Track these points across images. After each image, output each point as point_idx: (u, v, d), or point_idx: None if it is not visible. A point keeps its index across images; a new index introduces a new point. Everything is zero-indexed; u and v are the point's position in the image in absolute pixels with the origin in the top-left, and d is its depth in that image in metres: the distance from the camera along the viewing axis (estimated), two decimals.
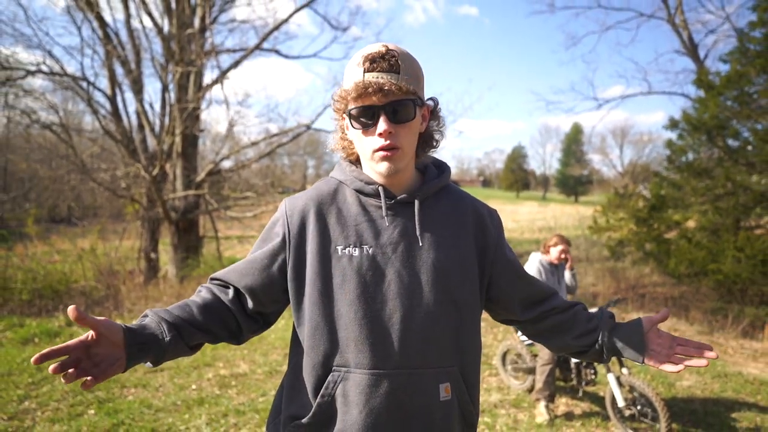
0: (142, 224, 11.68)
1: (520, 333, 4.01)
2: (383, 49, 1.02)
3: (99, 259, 9.82)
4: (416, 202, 1.10)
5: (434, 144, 1.17)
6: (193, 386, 4.21)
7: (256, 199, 11.97)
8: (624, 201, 11.86)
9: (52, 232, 13.47)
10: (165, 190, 10.73)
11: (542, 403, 3.61)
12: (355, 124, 1.06)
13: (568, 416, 3.67)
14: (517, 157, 72.28)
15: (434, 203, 1.14)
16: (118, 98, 10.71)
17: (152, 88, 27.81)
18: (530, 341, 3.61)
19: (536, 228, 24.34)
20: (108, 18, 12.43)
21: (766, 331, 6.94)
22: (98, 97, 10.68)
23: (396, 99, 1.01)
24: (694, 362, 1.05)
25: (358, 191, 1.12)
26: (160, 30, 10.73)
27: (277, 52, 12.16)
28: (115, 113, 10.60)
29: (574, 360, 3.78)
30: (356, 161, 1.18)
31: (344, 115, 1.09)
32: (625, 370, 3.35)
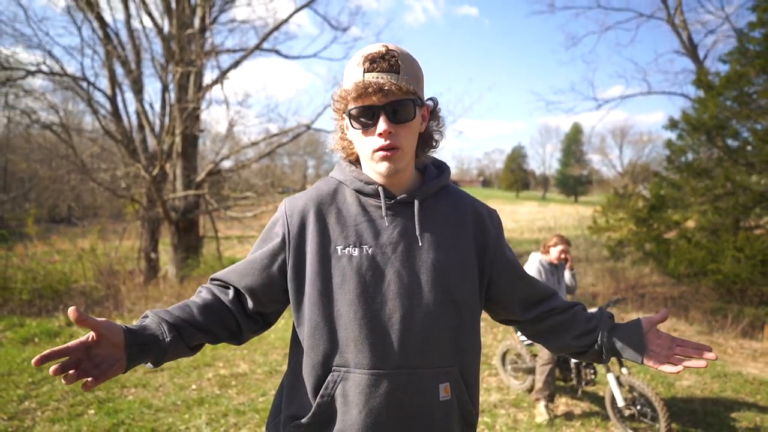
0: (142, 224, 11.69)
1: (519, 333, 4.01)
2: (383, 49, 1.02)
3: (99, 259, 9.82)
4: (416, 202, 1.10)
5: (434, 144, 1.17)
6: (193, 386, 4.22)
7: (256, 199, 11.97)
8: (624, 201, 11.87)
9: (52, 232, 13.47)
10: (165, 190, 10.74)
11: (542, 403, 3.61)
12: (355, 124, 1.06)
13: (568, 416, 3.68)
14: (516, 157, 72.30)
15: (434, 203, 1.14)
16: (118, 98, 10.72)
17: (152, 88, 27.86)
18: (530, 341, 3.61)
19: (536, 228, 24.35)
20: (108, 18, 12.44)
21: (766, 331, 6.95)
22: (98, 97, 10.69)
23: (396, 99, 1.01)
24: (693, 363, 1.06)
25: (358, 191, 1.12)
26: (160, 30, 10.73)
27: (277, 52, 12.18)
28: (115, 113, 10.60)
29: (573, 360, 3.79)
30: (356, 161, 1.18)
31: (344, 115, 1.09)
32: (624, 370, 3.35)
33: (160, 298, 8.04)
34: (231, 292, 1.13)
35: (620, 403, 3.24)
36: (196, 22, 10.85)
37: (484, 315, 1.24)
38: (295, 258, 1.09)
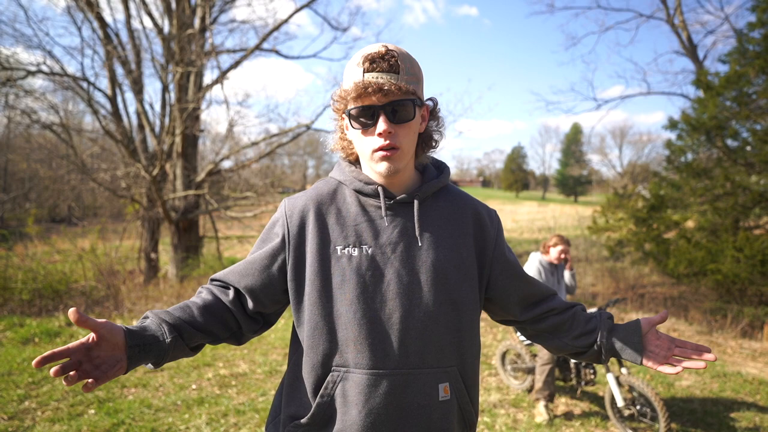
0: (142, 224, 11.70)
1: (519, 333, 4.02)
2: (383, 50, 1.02)
3: (99, 259, 9.81)
4: (415, 202, 1.10)
5: (433, 144, 1.17)
6: (193, 386, 4.22)
7: (256, 199, 11.97)
8: (623, 201, 11.89)
9: (52, 232, 13.47)
10: (165, 190, 10.75)
11: (542, 403, 3.61)
12: (355, 124, 1.06)
13: (568, 416, 3.68)
14: (516, 158, 72.33)
15: (433, 203, 1.15)
16: (119, 98, 10.73)
17: (152, 89, 27.89)
18: (529, 341, 3.61)
19: (536, 228, 24.37)
20: (108, 18, 12.46)
21: (765, 331, 6.95)
22: (98, 97, 10.76)
23: (395, 99, 1.02)
24: (692, 364, 1.06)
25: (358, 191, 1.12)
26: (160, 30, 10.74)
27: (277, 52, 12.17)
28: (116, 113, 10.61)
29: (573, 360, 3.79)
30: (356, 161, 1.19)
31: (344, 115, 1.09)
32: (624, 370, 3.36)
33: (160, 298, 8.04)
34: (231, 293, 1.13)
35: (620, 403, 3.24)
36: (196, 23, 10.86)
37: (484, 315, 1.24)
38: (295, 258, 1.09)
